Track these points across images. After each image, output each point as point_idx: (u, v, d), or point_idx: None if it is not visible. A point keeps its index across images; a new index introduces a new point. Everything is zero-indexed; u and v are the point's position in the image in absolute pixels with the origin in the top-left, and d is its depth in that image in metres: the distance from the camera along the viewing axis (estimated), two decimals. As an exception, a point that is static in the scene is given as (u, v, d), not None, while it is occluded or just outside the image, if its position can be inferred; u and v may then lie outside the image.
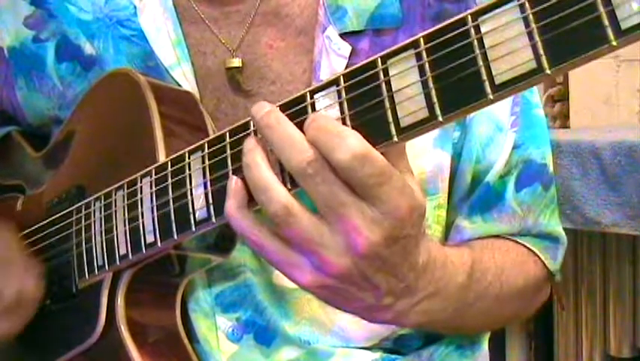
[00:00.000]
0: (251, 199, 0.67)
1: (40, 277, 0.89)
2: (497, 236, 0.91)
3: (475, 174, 0.89)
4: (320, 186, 0.62)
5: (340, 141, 0.61)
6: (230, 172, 0.70)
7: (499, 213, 0.90)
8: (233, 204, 0.67)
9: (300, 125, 0.64)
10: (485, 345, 0.97)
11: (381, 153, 0.62)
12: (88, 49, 0.91)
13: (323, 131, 0.62)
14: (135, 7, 0.90)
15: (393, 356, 0.89)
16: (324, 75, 0.84)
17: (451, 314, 0.78)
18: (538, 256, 0.92)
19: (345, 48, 0.84)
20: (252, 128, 0.69)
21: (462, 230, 0.89)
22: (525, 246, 0.91)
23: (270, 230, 0.66)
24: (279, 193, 0.64)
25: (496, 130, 0.89)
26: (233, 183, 0.67)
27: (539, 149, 0.92)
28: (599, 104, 2.16)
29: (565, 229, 0.97)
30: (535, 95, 0.94)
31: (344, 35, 0.85)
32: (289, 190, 0.64)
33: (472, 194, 0.90)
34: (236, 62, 0.87)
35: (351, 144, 0.60)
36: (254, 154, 0.65)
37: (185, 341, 0.85)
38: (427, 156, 0.86)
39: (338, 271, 0.65)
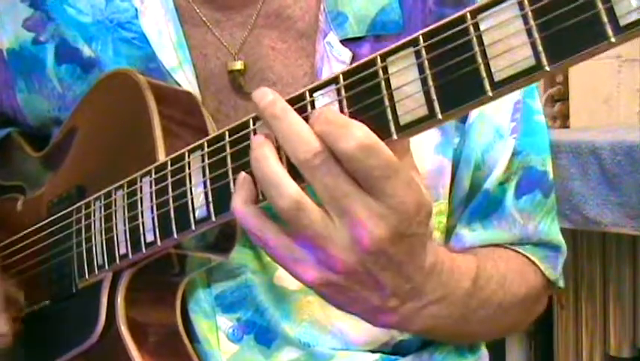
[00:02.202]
0: (257, 195, 0.66)
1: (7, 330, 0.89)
2: (497, 245, 0.90)
3: (475, 180, 0.89)
4: (325, 177, 0.61)
5: (346, 131, 0.60)
6: (230, 171, 0.70)
7: (498, 220, 0.89)
8: (239, 199, 0.66)
9: None
10: (484, 347, 0.97)
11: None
12: (86, 51, 0.91)
13: (330, 123, 0.61)
14: (136, 10, 0.90)
15: (394, 357, 0.89)
16: None
17: (455, 321, 0.77)
18: (537, 266, 0.91)
19: (346, 54, 0.84)
20: (251, 127, 0.69)
21: (462, 238, 0.89)
22: (525, 256, 0.91)
23: (274, 226, 0.66)
24: (289, 188, 0.63)
25: (497, 136, 0.88)
26: (241, 177, 0.67)
27: (539, 156, 0.91)
28: (599, 104, 2.17)
29: (565, 229, 0.97)
30: (537, 101, 0.93)
31: (345, 41, 0.85)
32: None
33: (472, 201, 0.89)
34: (238, 65, 0.86)
35: (356, 134, 0.60)
36: (263, 148, 0.64)
37: (186, 340, 0.84)
38: (428, 161, 0.86)
39: (343, 266, 0.64)
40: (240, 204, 0.66)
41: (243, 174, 0.67)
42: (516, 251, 0.91)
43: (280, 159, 0.64)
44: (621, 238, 1.95)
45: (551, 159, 0.94)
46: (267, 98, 0.64)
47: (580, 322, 2.08)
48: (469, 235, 0.89)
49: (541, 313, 0.98)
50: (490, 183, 0.88)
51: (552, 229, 0.93)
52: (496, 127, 0.88)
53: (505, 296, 0.85)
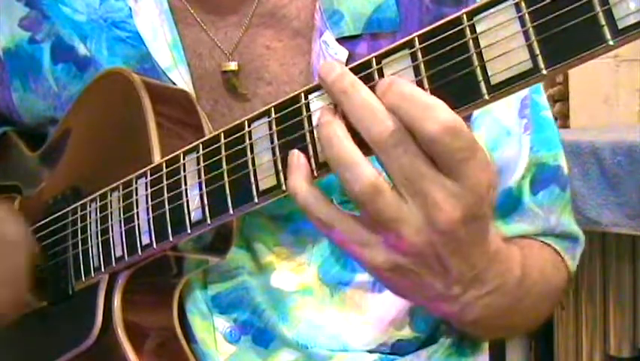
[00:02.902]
0: (312, 173, 0.64)
1: (34, 251, 0.88)
2: (523, 237, 0.89)
3: None
4: (402, 158, 0.59)
5: (430, 112, 0.57)
6: (225, 173, 0.69)
7: (520, 215, 0.89)
8: (297, 178, 0.63)
9: (298, 125, 0.64)
10: (485, 345, 0.96)
11: None
12: (82, 50, 0.91)
13: (408, 99, 0.58)
14: (130, 9, 0.89)
15: (392, 357, 0.89)
16: None
17: (504, 311, 0.76)
18: (562, 257, 0.91)
19: (342, 53, 0.84)
20: (246, 128, 0.69)
21: None
22: (551, 246, 0.90)
23: (339, 209, 0.63)
24: (366, 170, 0.60)
25: (503, 134, 0.88)
26: (296, 157, 0.64)
27: (551, 151, 0.91)
28: (598, 104, 2.16)
29: (565, 229, 0.97)
30: (543, 96, 0.92)
31: (341, 40, 0.84)
32: None
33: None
34: (232, 66, 0.86)
35: (441, 115, 0.57)
36: (334, 126, 0.61)
37: (183, 341, 0.84)
38: None
39: (414, 248, 0.61)
40: (302, 184, 0.63)
41: (295, 150, 0.64)
42: (542, 242, 0.90)
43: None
44: (621, 238, 1.95)
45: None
46: (335, 71, 0.61)
47: (580, 322, 2.08)
48: None
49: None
50: (513, 182, 0.87)
51: (572, 221, 0.93)
52: (502, 125, 0.88)
53: (544, 286, 0.84)
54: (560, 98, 2.20)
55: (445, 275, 0.64)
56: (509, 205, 0.89)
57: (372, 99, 0.59)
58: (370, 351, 0.88)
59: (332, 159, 0.61)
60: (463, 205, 0.59)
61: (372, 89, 0.61)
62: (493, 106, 0.83)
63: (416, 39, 0.60)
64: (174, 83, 0.86)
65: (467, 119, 0.86)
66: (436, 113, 0.57)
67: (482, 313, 0.71)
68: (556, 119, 2.19)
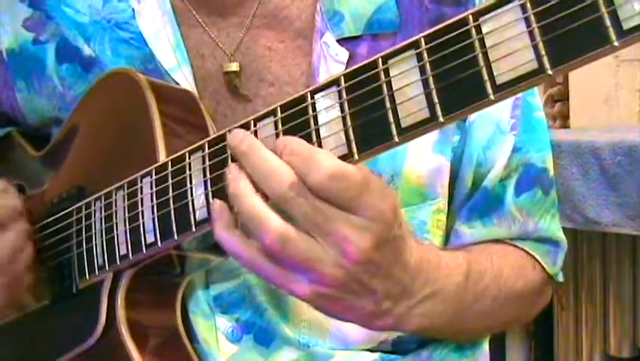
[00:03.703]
0: (237, 219, 0.68)
1: (31, 240, 0.89)
2: (496, 240, 0.90)
3: (477, 177, 0.89)
4: (303, 206, 0.63)
5: (312, 163, 0.62)
6: None
7: (498, 218, 0.89)
8: (221, 227, 0.68)
9: (303, 125, 0.65)
10: (485, 345, 0.96)
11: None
12: (86, 50, 0.91)
13: (295, 154, 0.63)
14: (133, 10, 0.89)
15: (393, 356, 0.89)
16: None
17: (450, 317, 0.79)
18: (537, 261, 0.91)
19: (343, 54, 0.84)
20: (252, 128, 0.69)
21: (461, 235, 0.89)
22: (524, 250, 0.91)
23: (262, 248, 0.67)
24: (273, 223, 0.65)
25: (498, 132, 0.88)
26: (217, 206, 0.69)
27: (540, 153, 0.91)
28: (599, 104, 2.16)
29: (565, 229, 0.96)
30: (536, 97, 0.93)
31: (342, 41, 0.85)
32: None
33: (471, 198, 0.89)
34: (233, 67, 0.87)
35: (324, 164, 0.62)
36: (238, 182, 0.66)
37: (186, 341, 0.84)
38: (426, 160, 0.86)
39: (336, 281, 0.66)
40: (224, 231, 0.68)
41: (217, 202, 0.69)
42: (515, 246, 0.91)
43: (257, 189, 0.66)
44: (621, 238, 1.95)
45: (552, 158, 0.94)
46: (237, 137, 0.67)
47: (580, 322, 2.08)
48: (469, 231, 0.89)
49: (542, 310, 0.98)
50: (489, 181, 0.88)
51: (552, 226, 0.93)
52: (497, 123, 0.88)
53: (500, 290, 0.86)
54: (560, 98, 2.20)
55: (372, 296, 0.69)
56: (488, 205, 0.89)
57: (269, 157, 0.65)
58: (371, 350, 0.88)
59: (241, 213, 0.66)
60: (371, 234, 0.64)
61: (375, 90, 0.61)
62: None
63: (422, 39, 0.60)
64: (178, 84, 0.87)
65: (464, 119, 0.87)
66: (318, 164, 0.62)
67: (423, 321, 0.75)
68: (556, 119, 2.19)
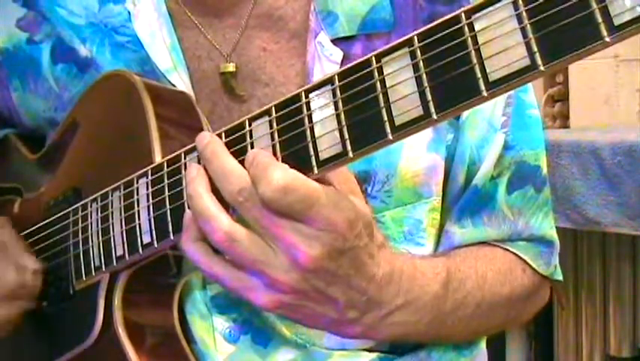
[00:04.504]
0: None
1: (38, 266, 0.89)
2: (486, 243, 0.90)
3: (469, 176, 0.89)
4: (253, 210, 0.66)
5: (264, 174, 0.65)
6: None
7: (489, 216, 0.89)
8: (187, 238, 0.71)
9: (298, 124, 0.65)
10: (483, 344, 0.96)
11: (324, 177, 0.66)
12: (82, 51, 0.91)
13: (254, 164, 0.66)
14: (129, 13, 0.90)
15: (391, 356, 0.89)
16: None
17: (427, 325, 0.80)
18: (528, 264, 0.91)
19: (337, 54, 0.84)
20: (247, 128, 0.69)
21: (451, 236, 0.89)
22: (514, 253, 0.90)
23: (221, 259, 0.70)
24: (220, 222, 0.67)
25: (491, 130, 0.88)
26: (187, 217, 0.71)
27: (533, 150, 0.91)
28: (599, 104, 2.16)
29: (565, 229, 0.96)
30: (530, 94, 0.92)
31: (336, 41, 0.85)
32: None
33: (463, 197, 0.89)
34: (230, 67, 0.87)
35: (274, 178, 0.64)
36: (195, 184, 0.69)
37: (183, 341, 0.84)
38: (421, 159, 0.86)
39: (289, 287, 0.68)
40: (188, 242, 0.71)
41: (188, 213, 0.71)
42: (505, 249, 0.90)
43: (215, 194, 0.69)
44: (621, 238, 1.95)
45: (551, 158, 0.93)
46: (204, 140, 0.70)
47: (580, 322, 2.08)
48: (459, 232, 0.88)
49: (541, 310, 0.98)
50: (478, 179, 0.88)
51: (544, 224, 0.92)
52: (490, 121, 0.88)
53: (484, 297, 0.85)
54: (560, 98, 2.20)
55: (332, 304, 0.71)
56: (478, 203, 0.89)
57: (227, 163, 0.68)
58: (368, 350, 0.88)
59: (193, 213, 0.69)
60: (321, 244, 0.66)
61: (369, 88, 0.62)
62: (482, 104, 0.84)
63: (415, 37, 0.60)
64: (174, 86, 0.87)
65: (457, 117, 0.87)
66: (269, 175, 0.64)
67: (396, 330, 0.77)
68: (556, 119, 2.19)
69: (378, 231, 0.73)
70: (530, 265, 0.91)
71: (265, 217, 0.66)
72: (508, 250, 0.90)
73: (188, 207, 0.71)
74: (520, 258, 0.90)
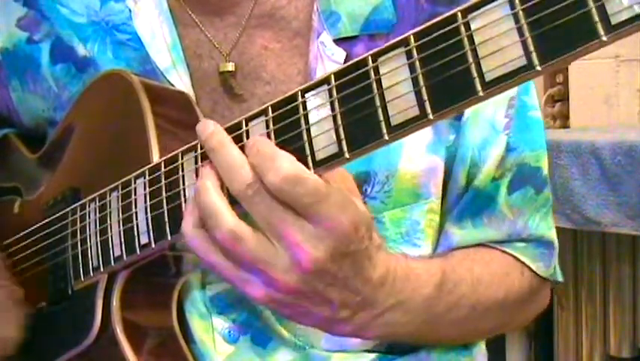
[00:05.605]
0: None
1: (21, 324, 0.90)
2: (484, 245, 0.89)
3: (470, 177, 0.88)
4: (259, 206, 0.65)
5: (272, 164, 0.64)
6: None
7: (488, 217, 0.89)
8: (188, 223, 0.70)
9: (294, 124, 0.65)
10: (483, 344, 0.96)
11: (324, 174, 0.65)
12: (81, 50, 0.91)
13: (259, 154, 0.65)
14: (130, 11, 0.90)
15: (390, 356, 0.89)
16: None
17: (418, 326, 0.80)
18: (527, 266, 0.90)
19: (340, 54, 0.84)
20: (244, 127, 0.69)
21: (450, 236, 0.88)
22: (513, 256, 0.90)
23: (222, 249, 0.69)
24: (225, 218, 0.67)
25: (492, 132, 0.88)
26: (190, 204, 0.70)
27: (534, 152, 0.90)
28: (599, 104, 2.16)
29: (565, 229, 0.96)
30: (532, 96, 0.92)
31: (338, 41, 0.85)
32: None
33: (464, 198, 0.89)
34: (229, 67, 0.87)
35: (282, 166, 0.63)
36: (204, 179, 0.68)
37: (182, 342, 0.84)
38: (420, 160, 0.85)
39: (287, 287, 0.68)
40: (189, 227, 0.70)
41: (193, 198, 0.70)
42: (503, 251, 0.90)
43: (222, 188, 0.68)
44: (621, 238, 1.95)
45: (551, 158, 0.93)
46: (208, 130, 0.69)
47: (580, 322, 2.08)
48: (459, 233, 0.88)
49: (541, 312, 0.98)
50: (479, 180, 0.88)
51: (543, 225, 0.92)
52: (492, 122, 0.88)
53: (479, 299, 0.85)
54: (560, 98, 2.20)
55: (328, 304, 0.70)
56: (479, 204, 0.89)
57: (234, 155, 0.67)
58: (368, 351, 0.88)
59: (199, 208, 0.68)
60: (325, 245, 0.65)
61: (365, 88, 0.62)
62: (483, 105, 0.84)
63: (411, 37, 0.60)
64: (173, 85, 0.87)
65: (458, 118, 0.87)
66: (277, 165, 0.64)
67: (386, 330, 0.77)
68: (556, 119, 2.19)
69: (376, 232, 0.72)
70: (529, 267, 0.90)
71: (271, 212, 0.65)
72: (506, 252, 0.90)
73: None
74: (519, 260, 0.90)
